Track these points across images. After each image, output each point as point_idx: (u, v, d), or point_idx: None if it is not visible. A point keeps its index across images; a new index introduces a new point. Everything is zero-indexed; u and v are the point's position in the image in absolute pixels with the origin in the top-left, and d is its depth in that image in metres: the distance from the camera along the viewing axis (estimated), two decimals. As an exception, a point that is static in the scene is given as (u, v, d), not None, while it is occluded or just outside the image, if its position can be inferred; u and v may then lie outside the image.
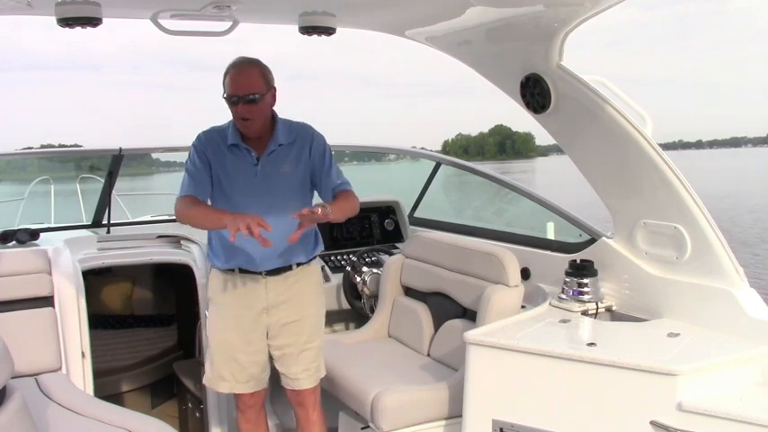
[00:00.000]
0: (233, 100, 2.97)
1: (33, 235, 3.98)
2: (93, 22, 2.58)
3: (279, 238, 2.99)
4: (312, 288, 3.27)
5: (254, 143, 3.11)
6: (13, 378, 2.21)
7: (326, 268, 4.52)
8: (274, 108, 3.15)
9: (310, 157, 3.16)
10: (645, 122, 2.96)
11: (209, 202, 3.12)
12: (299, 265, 3.19)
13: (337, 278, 4.44)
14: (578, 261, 3.41)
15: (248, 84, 2.97)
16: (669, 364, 2.47)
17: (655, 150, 2.90)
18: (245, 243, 3.07)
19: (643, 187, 3.08)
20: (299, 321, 3.19)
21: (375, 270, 4.27)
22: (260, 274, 3.13)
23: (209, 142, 3.14)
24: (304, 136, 3.17)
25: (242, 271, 3.15)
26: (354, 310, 4.32)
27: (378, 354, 3.71)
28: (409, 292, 4.00)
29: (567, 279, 3.36)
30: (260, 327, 3.16)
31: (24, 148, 5.97)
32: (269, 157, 3.10)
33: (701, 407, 2.37)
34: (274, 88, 3.09)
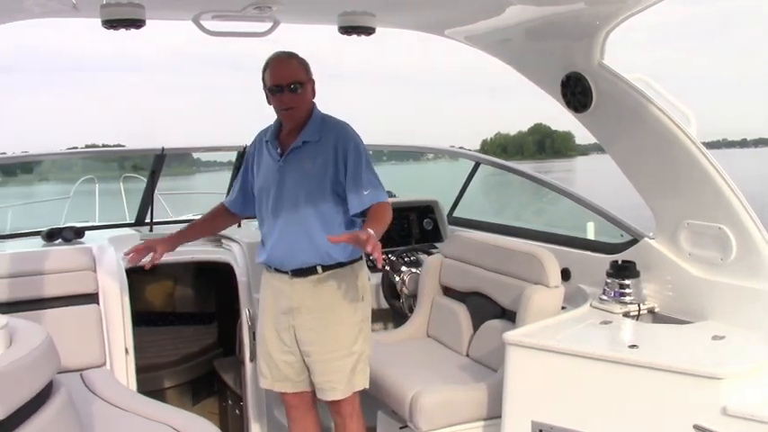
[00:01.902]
0: (277, 89, 2.99)
1: (78, 233, 4.07)
2: (137, 23, 2.63)
3: (295, 237, 3.03)
4: (343, 294, 3.08)
5: (284, 140, 3.12)
6: (58, 373, 2.26)
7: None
8: (316, 105, 3.13)
9: (337, 158, 3.01)
10: (689, 122, 2.90)
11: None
12: (325, 268, 3.05)
13: (376, 278, 4.44)
14: (620, 262, 3.36)
15: (290, 73, 2.99)
16: (713, 367, 2.42)
17: (699, 150, 2.86)
18: (267, 239, 3.14)
19: (687, 187, 3.02)
20: (326, 328, 3.06)
21: (414, 270, 4.25)
22: (287, 273, 3.10)
23: (257, 141, 3.24)
24: (334, 135, 3.04)
25: (273, 268, 3.17)
26: (393, 309, 4.31)
27: (416, 353, 3.71)
28: (448, 291, 3.98)
29: (609, 280, 3.32)
30: (289, 328, 3.13)
31: (69, 148, 6.08)
32: (291, 154, 3.06)
33: (747, 411, 2.32)
34: (313, 81, 3.08)
